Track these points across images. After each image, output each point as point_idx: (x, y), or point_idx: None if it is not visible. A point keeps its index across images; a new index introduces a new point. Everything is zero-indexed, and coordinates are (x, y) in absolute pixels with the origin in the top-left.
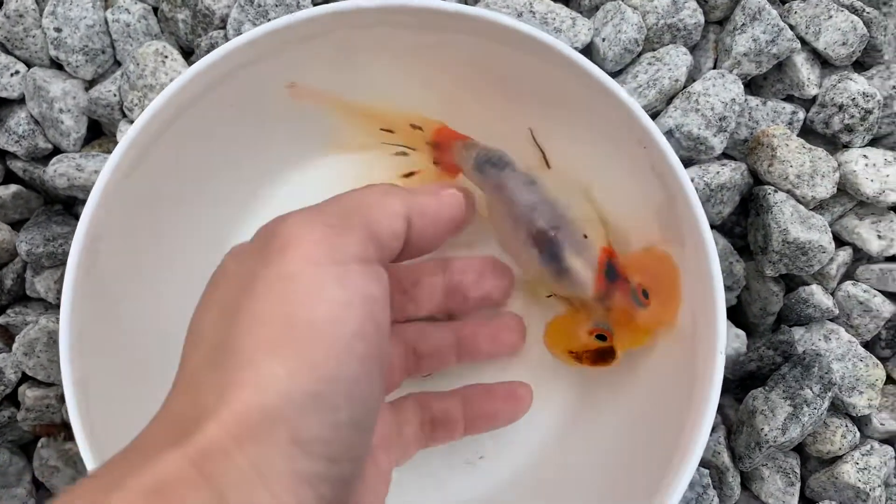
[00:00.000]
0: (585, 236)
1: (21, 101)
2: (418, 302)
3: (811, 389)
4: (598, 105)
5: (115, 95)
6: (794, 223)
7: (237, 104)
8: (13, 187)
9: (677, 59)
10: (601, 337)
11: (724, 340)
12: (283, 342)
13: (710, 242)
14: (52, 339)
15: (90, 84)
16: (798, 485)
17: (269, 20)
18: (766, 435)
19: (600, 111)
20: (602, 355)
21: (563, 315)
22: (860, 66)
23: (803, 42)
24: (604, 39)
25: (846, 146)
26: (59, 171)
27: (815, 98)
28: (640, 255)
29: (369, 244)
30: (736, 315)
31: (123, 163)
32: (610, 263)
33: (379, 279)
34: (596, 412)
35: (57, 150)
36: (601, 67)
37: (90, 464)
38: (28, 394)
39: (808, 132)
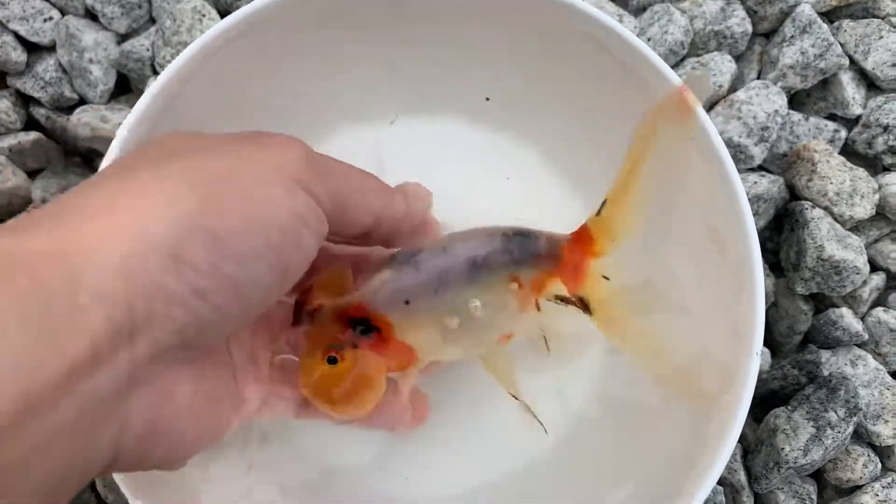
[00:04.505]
0: None
1: (51, 48)
2: None
3: (836, 412)
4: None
5: (147, 50)
6: (830, 240)
7: (272, 56)
8: (34, 134)
9: (722, 65)
10: (331, 359)
11: (761, 342)
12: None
13: (754, 237)
14: None
15: (122, 38)
16: None
17: None
18: (786, 455)
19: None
20: None
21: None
22: None
23: (851, 61)
24: (649, 39)
25: (887, 169)
26: (83, 120)
27: (857, 118)
28: None
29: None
30: None
31: (156, 101)
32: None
33: (319, 220)
34: (614, 411)
35: (82, 102)
36: None
37: None
38: None
39: (848, 152)
